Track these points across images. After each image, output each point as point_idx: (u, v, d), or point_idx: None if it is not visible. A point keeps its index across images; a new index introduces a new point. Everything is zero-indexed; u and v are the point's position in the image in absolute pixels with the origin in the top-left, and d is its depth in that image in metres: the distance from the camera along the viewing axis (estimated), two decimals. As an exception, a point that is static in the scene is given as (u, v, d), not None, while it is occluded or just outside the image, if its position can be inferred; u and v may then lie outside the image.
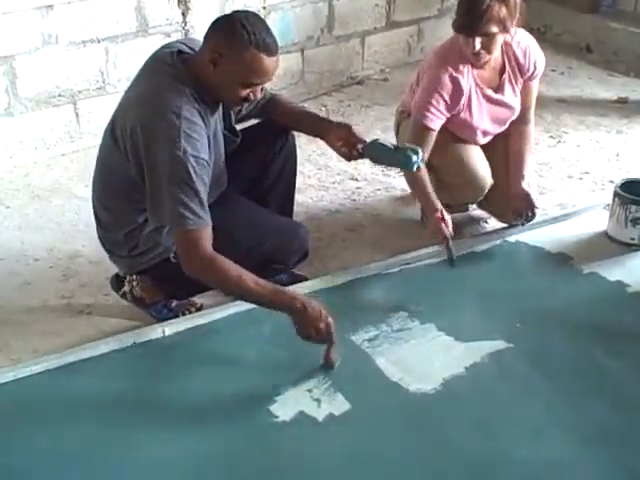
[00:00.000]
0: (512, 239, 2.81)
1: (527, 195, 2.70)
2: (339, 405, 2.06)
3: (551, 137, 3.61)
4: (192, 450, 1.94)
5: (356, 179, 3.25)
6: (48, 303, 2.50)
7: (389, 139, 2.46)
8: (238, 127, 2.39)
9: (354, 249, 2.78)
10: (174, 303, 2.42)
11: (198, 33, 3.38)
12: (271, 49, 2.04)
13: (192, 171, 2.02)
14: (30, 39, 3.21)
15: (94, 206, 2.34)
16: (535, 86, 2.76)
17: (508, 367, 2.22)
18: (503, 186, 2.70)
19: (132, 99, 2.15)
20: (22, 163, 3.36)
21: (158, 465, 1.91)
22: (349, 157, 2.37)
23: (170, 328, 2.31)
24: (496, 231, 2.86)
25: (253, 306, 2.37)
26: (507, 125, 2.77)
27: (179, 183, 2.02)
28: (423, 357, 2.23)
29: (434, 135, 2.60)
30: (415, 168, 2.31)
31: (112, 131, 2.17)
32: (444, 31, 4.63)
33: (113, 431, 1.99)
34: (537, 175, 2.79)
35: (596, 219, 2.92)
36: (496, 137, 2.80)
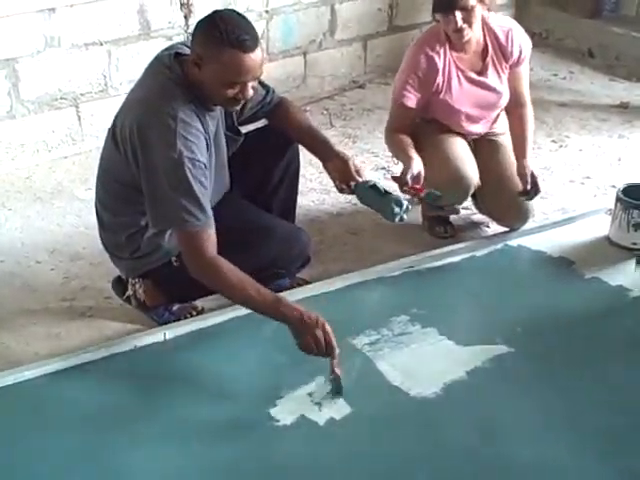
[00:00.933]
0: (513, 243, 2.80)
1: (530, 175, 2.68)
2: (340, 409, 2.06)
3: (553, 142, 3.61)
4: (193, 454, 1.94)
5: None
6: (49, 306, 2.50)
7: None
8: (242, 130, 2.39)
9: (355, 253, 2.78)
10: (175, 307, 2.41)
11: (200, 36, 3.38)
12: (247, 46, 1.98)
13: (189, 174, 2.01)
14: (32, 42, 3.21)
15: (96, 208, 2.35)
16: (525, 72, 2.77)
17: (509, 371, 2.22)
18: (497, 188, 2.70)
19: (131, 102, 2.15)
20: (24, 165, 3.36)
21: (159, 468, 1.91)
22: (340, 190, 2.37)
23: (171, 332, 2.31)
24: (497, 235, 2.86)
25: (254, 309, 2.39)
26: (495, 112, 2.78)
27: (176, 186, 2.02)
28: (424, 361, 2.23)
29: (411, 113, 2.67)
30: (397, 220, 2.29)
31: (113, 134, 2.17)
32: (446, 35, 4.65)
33: (114, 434, 1.99)
34: (539, 179, 2.80)
35: (598, 224, 2.91)
36: (488, 137, 2.81)
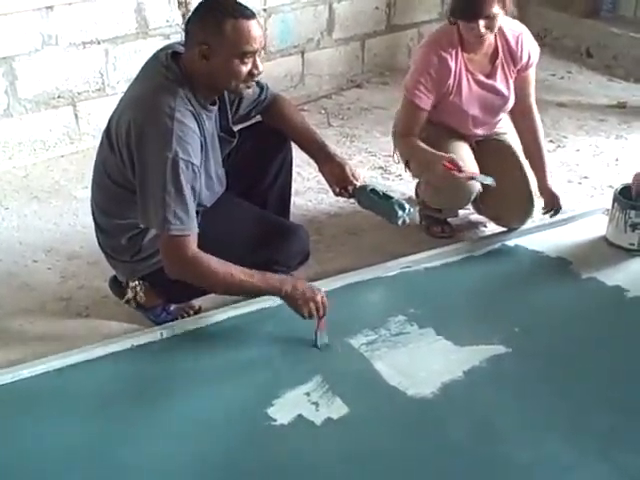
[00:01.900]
0: (511, 243, 2.81)
1: (554, 193, 2.78)
2: (337, 409, 2.06)
3: (551, 142, 3.60)
4: (191, 453, 1.94)
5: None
6: (46, 305, 2.50)
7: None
8: (236, 128, 2.38)
9: (353, 252, 2.78)
10: (173, 307, 2.41)
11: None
12: (247, 13, 2.01)
13: (182, 176, 2.01)
14: (30, 40, 3.20)
15: (93, 212, 2.33)
16: (531, 76, 2.77)
17: (507, 372, 2.22)
18: (498, 188, 2.70)
19: (127, 101, 2.14)
20: (21, 164, 3.36)
21: (156, 467, 1.90)
22: (338, 194, 2.39)
23: (168, 331, 2.31)
24: (495, 235, 2.86)
25: (251, 309, 2.39)
26: (499, 116, 2.79)
27: (167, 186, 2.01)
28: (421, 361, 2.23)
29: (424, 115, 2.65)
30: (400, 222, 2.30)
31: (108, 135, 2.16)
32: (444, 35, 4.65)
33: (112, 433, 1.99)
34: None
35: (595, 224, 2.92)
36: (489, 139, 2.81)
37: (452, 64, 2.61)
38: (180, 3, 3.53)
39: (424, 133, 2.71)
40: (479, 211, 2.89)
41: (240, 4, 2.05)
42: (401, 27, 4.40)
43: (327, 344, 2.26)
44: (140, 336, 2.29)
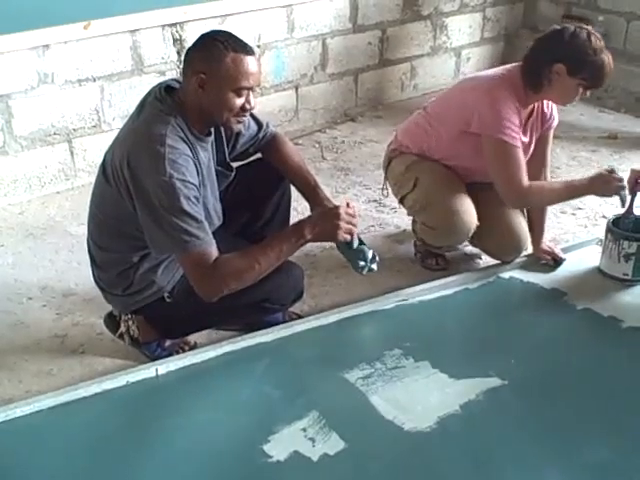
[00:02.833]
0: (505, 275, 2.81)
1: (551, 251, 2.86)
2: (334, 444, 2.05)
3: (543, 173, 3.63)
4: (185, 491, 1.93)
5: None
6: (41, 342, 2.49)
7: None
8: (235, 164, 2.39)
9: (348, 286, 2.78)
10: (168, 342, 2.40)
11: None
12: (248, 49, 2.06)
13: (181, 195, 2.00)
14: (26, 78, 3.24)
15: (89, 247, 2.34)
16: (550, 137, 2.79)
17: (503, 404, 2.21)
18: (493, 224, 2.71)
19: (121, 135, 2.17)
20: (16, 201, 3.37)
21: (151, 507, 1.89)
22: None
23: (163, 367, 2.30)
24: (489, 267, 2.86)
25: (248, 344, 2.38)
26: None
27: (171, 208, 2.01)
28: (418, 395, 2.22)
29: (521, 153, 2.60)
30: (365, 272, 2.29)
31: (104, 169, 2.18)
32: (437, 69, 4.72)
33: (106, 471, 1.97)
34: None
35: (589, 254, 2.93)
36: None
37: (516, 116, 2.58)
38: (175, 40, 3.57)
39: (417, 167, 2.73)
40: (473, 243, 2.90)
41: (242, 40, 2.08)
42: (394, 61, 4.46)
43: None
44: (135, 372, 2.28)
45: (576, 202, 3.37)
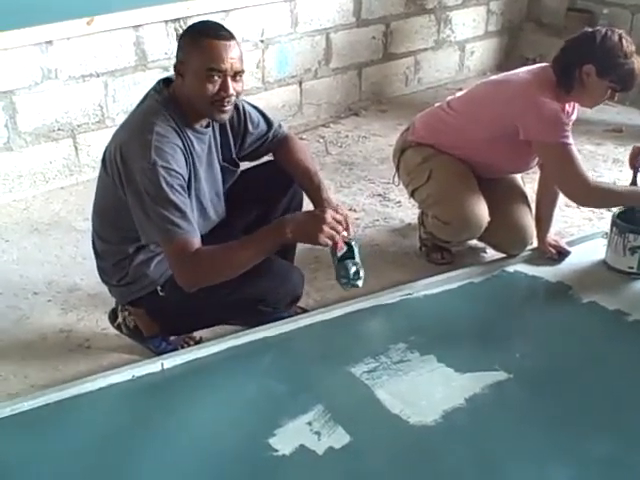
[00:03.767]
0: (510, 269, 2.81)
1: (557, 244, 2.87)
2: (339, 438, 2.05)
3: (548, 166, 3.62)
4: (191, 485, 1.93)
5: (354, 210, 3.26)
6: (47, 337, 2.50)
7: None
8: (247, 165, 2.39)
9: (353, 280, 2.77)
10: (172, 337, 2.41)
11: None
12: (222, 35, 2.04)
13: (163, 182, 2.00)
14: (30, 74, 3.24)
15: (92, 237, 2.35)
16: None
17: (508, 398, 2.21)
18: (500, 218, 2.71)
19: (119, 128, 2.19)
20: (21, 197, 3.37)
21: (157, 501, 1.90)
22: None
23: (169, 361, 2.30)
24: (494, 261, 2.86)
25: (252, 338, 2.38)
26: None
27: (155, 196, 2.01)
28: (423, 389, 2.22)
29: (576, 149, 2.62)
30: (347, 288, 2.19)
31: (103, 159, 2.20)
32: (441, 63, 4.71)
33: (112, 465, 1.98)
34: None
35: (594, 248, 2.92)
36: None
37: None
38: (178, 35, 3.56)
39: (433, 161, 2.73)
40: (479, 237, 2.90)
41: (221, 27, 2.08)
42: (398, 55, 4.45)
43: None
44: (141, 366, 2.29)
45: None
